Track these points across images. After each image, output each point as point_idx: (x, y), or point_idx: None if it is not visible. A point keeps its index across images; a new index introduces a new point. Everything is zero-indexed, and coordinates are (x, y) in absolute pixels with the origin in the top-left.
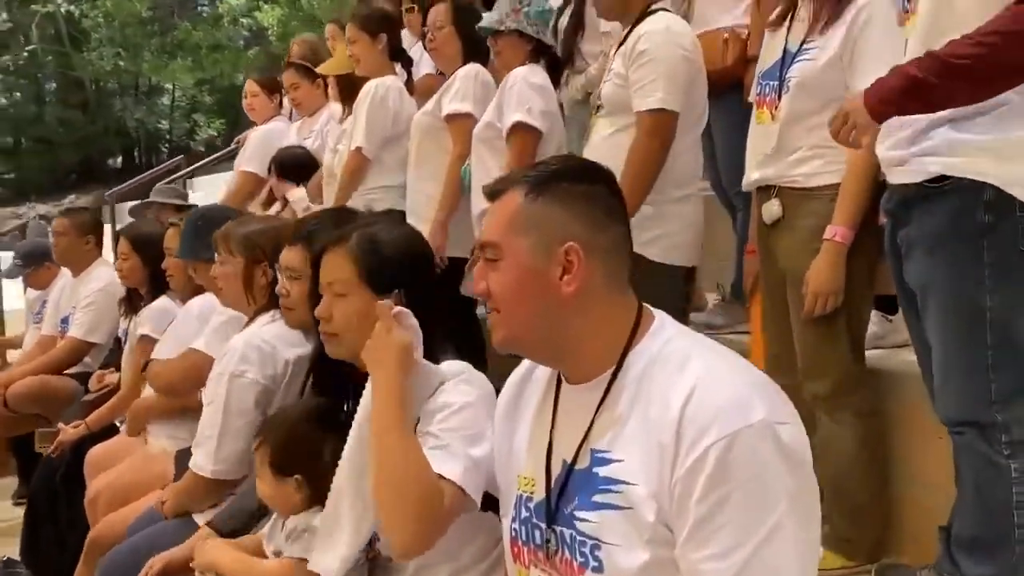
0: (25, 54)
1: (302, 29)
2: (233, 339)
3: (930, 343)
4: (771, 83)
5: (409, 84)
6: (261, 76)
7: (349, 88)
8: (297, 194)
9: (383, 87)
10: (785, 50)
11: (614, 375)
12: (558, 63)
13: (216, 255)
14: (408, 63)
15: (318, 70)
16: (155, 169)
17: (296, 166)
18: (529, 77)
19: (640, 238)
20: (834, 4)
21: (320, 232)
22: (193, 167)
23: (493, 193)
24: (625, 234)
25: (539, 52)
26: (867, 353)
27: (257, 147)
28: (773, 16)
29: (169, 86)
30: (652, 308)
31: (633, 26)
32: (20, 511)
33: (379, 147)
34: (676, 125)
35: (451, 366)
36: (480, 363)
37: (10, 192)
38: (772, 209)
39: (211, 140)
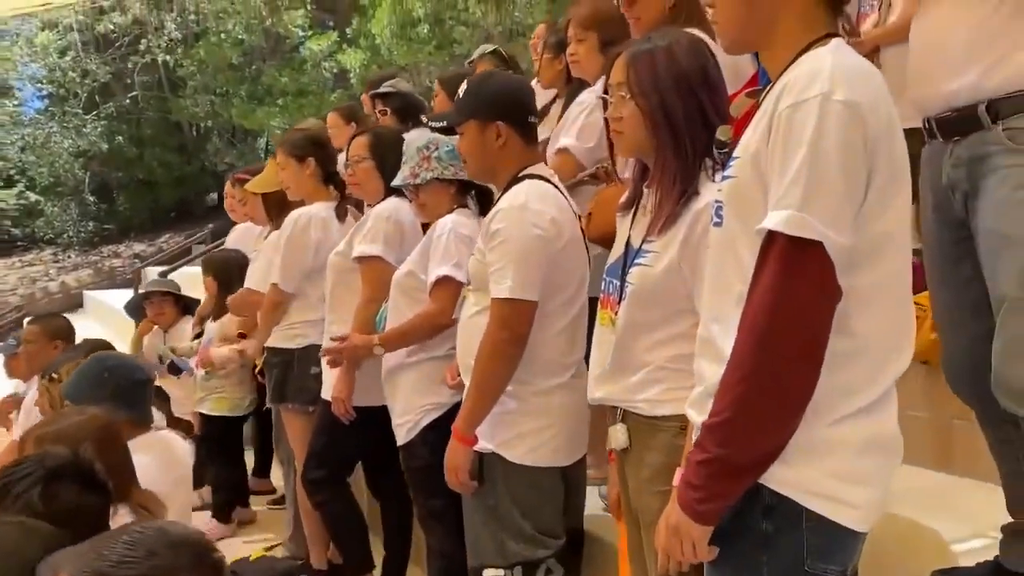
0: (127, 101)
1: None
2: None
3: None
4: (614, 281)
5: (341, 207)
6: (238, 176)
7: (277, 205)
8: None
9: (305, 217)
10: (628, 244)
11: None
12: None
13: None
14: (341, 186)
15: (247, 187)
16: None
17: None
18: (458, 228)
19: (500, 436)
20: (675, 200)
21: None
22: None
23: None
24: None
25: (463, 191)
26: None
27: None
28: (622, 198)
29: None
30: None
31: (503, 194)
32: None
33: (300, 280)
34: (531, 313)
35: None
36: None
37: (113, 230)
38: (618, 437)
39: None
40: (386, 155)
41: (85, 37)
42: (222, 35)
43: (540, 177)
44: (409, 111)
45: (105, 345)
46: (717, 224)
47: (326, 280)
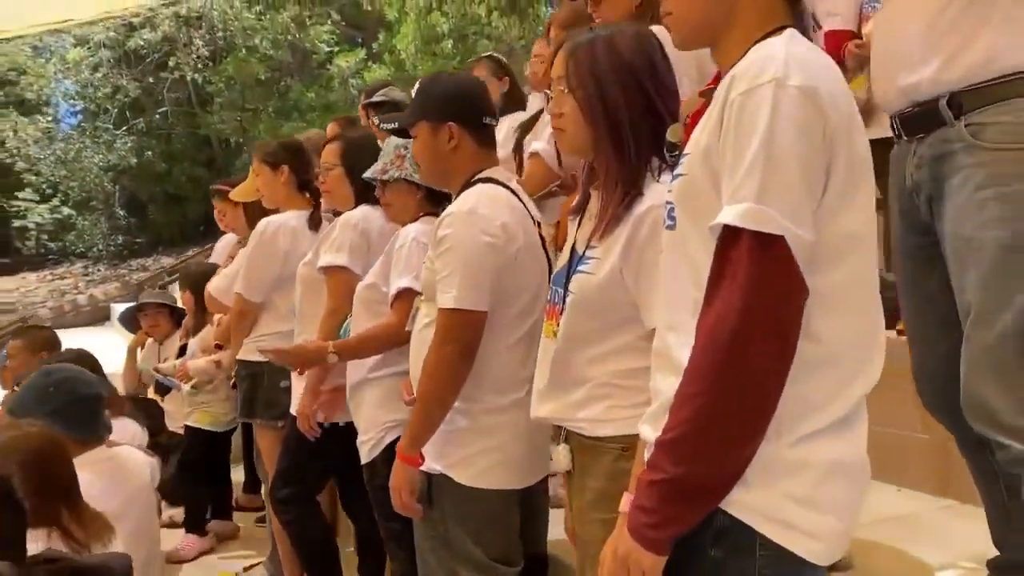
0: (157, 116)
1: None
2: None
3: None
4: (558, 290)
5: (315, 216)
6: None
7: (257, 215)
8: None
9: (273, 226)
10: (573, 250)
11: None
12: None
13: None
14: (316, 194)
15: (231, 196)
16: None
17: (201, 284)
18: (420, 237)
19: (448, 457)
20: (618, 202)
21: None
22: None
23: None
24: None
25: (435, 200)
26: None
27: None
28: (573, 204)
29: None
30: None
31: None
32: None
33: (268, 290)
34: (480, 325)
35: None
36: None
37: (142, 244)
38: (560, 459)
39: None
40: (357, 163)
41: (116, 54)
42: (246, 49)
43: (494, 180)
44: None
45: (84, 355)
46: (670, 227)
47: (295, 290)
